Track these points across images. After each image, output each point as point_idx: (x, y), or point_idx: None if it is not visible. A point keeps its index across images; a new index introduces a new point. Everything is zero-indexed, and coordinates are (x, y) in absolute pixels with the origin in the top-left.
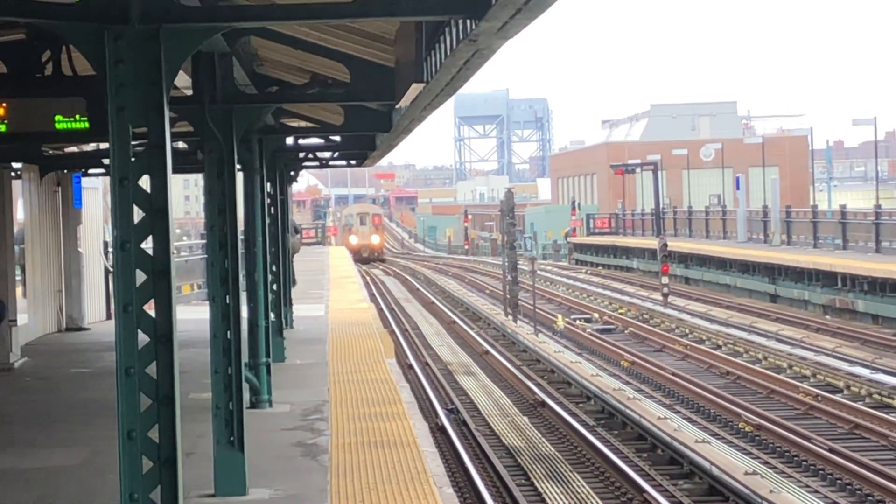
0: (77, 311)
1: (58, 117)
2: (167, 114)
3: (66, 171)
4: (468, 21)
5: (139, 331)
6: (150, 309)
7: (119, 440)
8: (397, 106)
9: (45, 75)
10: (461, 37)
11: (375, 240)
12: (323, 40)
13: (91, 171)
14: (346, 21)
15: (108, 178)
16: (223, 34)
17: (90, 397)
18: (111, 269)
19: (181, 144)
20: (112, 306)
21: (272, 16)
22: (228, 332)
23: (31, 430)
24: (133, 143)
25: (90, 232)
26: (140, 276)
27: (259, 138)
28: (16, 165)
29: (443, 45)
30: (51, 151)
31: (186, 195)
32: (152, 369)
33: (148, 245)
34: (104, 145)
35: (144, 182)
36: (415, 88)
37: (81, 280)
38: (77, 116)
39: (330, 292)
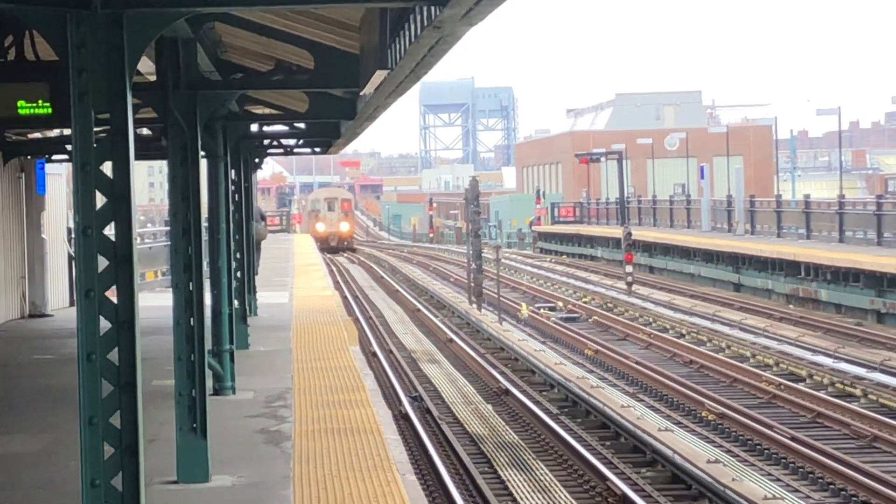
0: (40, 297)
1: (20, 103)
2: (130, 100)
3: (29, 157)
4: (432, 7)
5: (101, 317)
6: (112, 295)
7: (80, 427)
8: (362, 93)
9: (7, 60)
10: (425, 23)
11: (345, 227)
12: (287, 27)
13: (55, 157)
14: (310, 7)
15: (71, 164)
16: (187, 19)
17: (52, 384)
18: (74, 256)
19: (145, 131)
20: (74, 293)
21: (236, 1)
22: (192, 319)
23: None
24: (96, 129)
25: (53, 218)
26: (102, 263)
27: (223, 125)
28: None
29: (407, 32)
30: (14, 137)
31: (151, 182)
32: (114, 355)
33: (110, 231)
34: (68, 131)
35: (107, 168)
36: (379, 75)
37: (45, 266)
38: (40, 102)
39: (294, 280)
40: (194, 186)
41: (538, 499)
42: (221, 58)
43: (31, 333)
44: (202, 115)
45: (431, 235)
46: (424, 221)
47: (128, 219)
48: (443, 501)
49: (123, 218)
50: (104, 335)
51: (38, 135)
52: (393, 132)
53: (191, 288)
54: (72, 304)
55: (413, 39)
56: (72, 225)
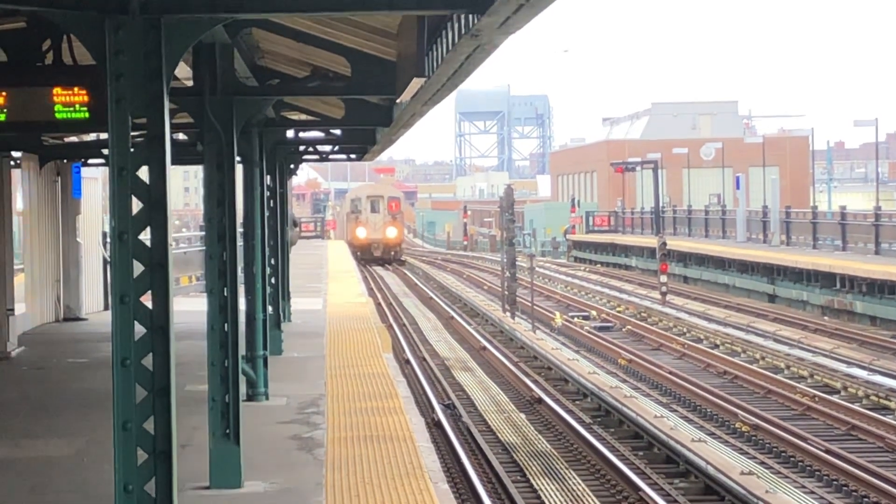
0: (75, 301)
1: (57, 107)
2: (167, 105)
3: (65, 160)
4: (470, 16)
5: (136, 322)
6: (147, 300)
7: (114, 431)
8: (398, 101)
9: (45, 64)
10: (463, 31)
11: (392, 233)
12: (325, 33)
13: (91, 161)
14: (347, 14)
15: (107, 169)
16: (224, 25)
17: (87, 387)
18: (110, 260)
19: (181, 136)
20: (109, 297)
21: (274, 7)
22: (226, 325)
23: (26, 420)
24: (133, 133)
25: (89, 222)
26: (138, 268)
27: (259, 131)
28: (15, 154)
29: (444, 40)
30: (51, 141)
31: (186, 187)
32: (148, 361)
33: (146, 236)
34: (104, 135)
35: (143, 173)
36: (416, 83)
37: (80, 270)
38: (77, 106)
39: (328, 286)
40: (230, 192)
41: None
42: (258, 63)
43: (65, 337)
44: (238, 121)
45: (465, 243)
46: (458, 229)
47: (163, 224)
48: None
49: (159, 223)
50: (139, 340)
51: (74, 138)
52: (428, 139)
53: (225, 293)
54: (106, 308)
55: (450, 48)
56: (107, 229)
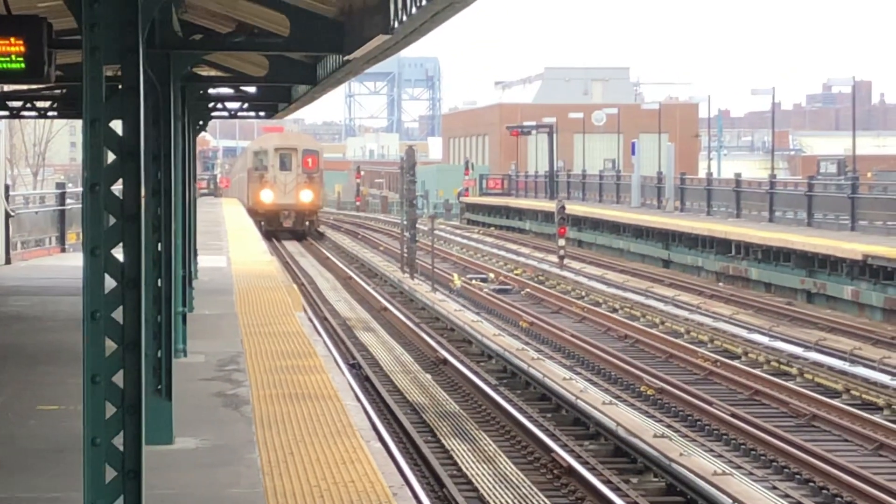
0: None
1: None
2: (142, 56)
3: None
4: None
5: (106, 275)
6: (118, 253)
7: (84, 385)
8: (347, 58)
9: None
10: None
11: (307, 197)
12: None
13: None
14: None
15: (11, 122)
16: None
17: None
18: (12, 214)
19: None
20: (12, 251)
21: None
22: (159, 280)
23: None
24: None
25: None
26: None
27: (182, 86)
28: None
29: None
30: None
31: (73, 142)
32: (118, 314)
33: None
34: (8, 87)
35: (116, 125)
36: (378, 40)
37: None
38: (13, 56)
39: (229, 244)
40: (165, 147)
41: (483, 469)
42: (181, 17)
43: None
44: (175, 76)
45: (358, 204)
46: (348, 189)
47: (137, 176)
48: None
49: (132, 175)
50: (109, 293)
51: None
52: (319, 98)
53: (159, 248)
54: (8, 262)
55: (420, 3)
56: (10, 182)
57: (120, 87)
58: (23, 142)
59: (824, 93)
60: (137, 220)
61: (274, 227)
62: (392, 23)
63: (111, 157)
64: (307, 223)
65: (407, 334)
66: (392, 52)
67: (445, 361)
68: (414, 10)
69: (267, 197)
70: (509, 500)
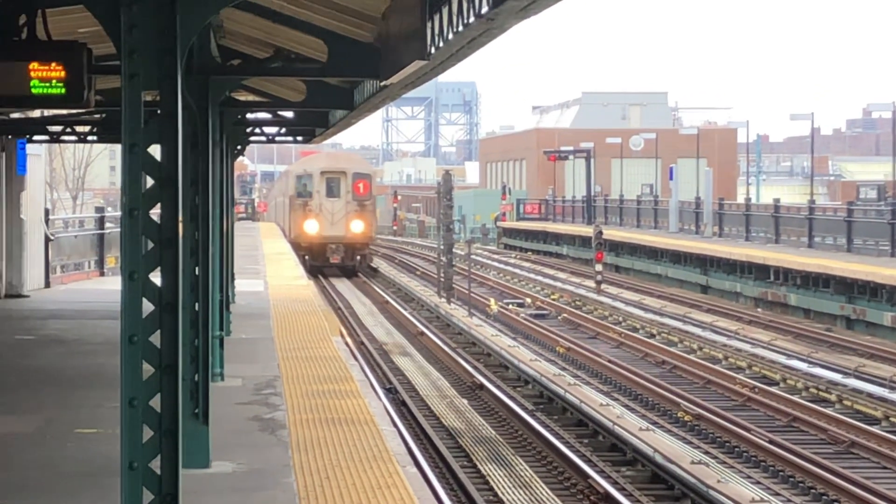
0: (17, 278)
1: (34, 82)
2: (180, 82)
3: (10, 136)
4: None
5: (144, 299)
6: (155, 277)
7: (121, 408)
8: (383, 83)
9: (21, 39)
10: (476, 13)
11: (358, 227)
12: (299, 14)
13: (35, 137)
14: None
15: (51, 147)
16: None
17: (38, 365)
18: (51, 238)
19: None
20: (51, 274)
21: None
22: (196, 304)
23: None
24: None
25: (32, 199)
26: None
27: (220, 111)
28: None
29: (444, 22)
30: None
31: (112, 166)
32: (156, 338)
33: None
34: (49, 112)
35: (154, 150)
36: (414, 65)
37: (23, 247)
38: (53, 82)
39: (266, 268)
40: (203, 172)
41: (520, 494)
42: (220, 43)
43: (9, 314)
44: (213, 101)
45: (395, 228)
46: (385, 214)
47: (174, 201)
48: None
49: (170, 200)
50: (147, 317)
51: (19, 114)
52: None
53: (197, 273)
54: (47, 286)
55: (457, 29)
56: (49, 206)
57: (158, 112)
58: (62, 166)
59: (864, 118)
60: (175, 245)
61: (320, 262)
62: (429, 48)
63: (149, 181)
64: (358, 258)
65: (443, 359)
66: (429, 77)
67: (482, 386)
68: (450, 35)
69: (312, 228)
70: None
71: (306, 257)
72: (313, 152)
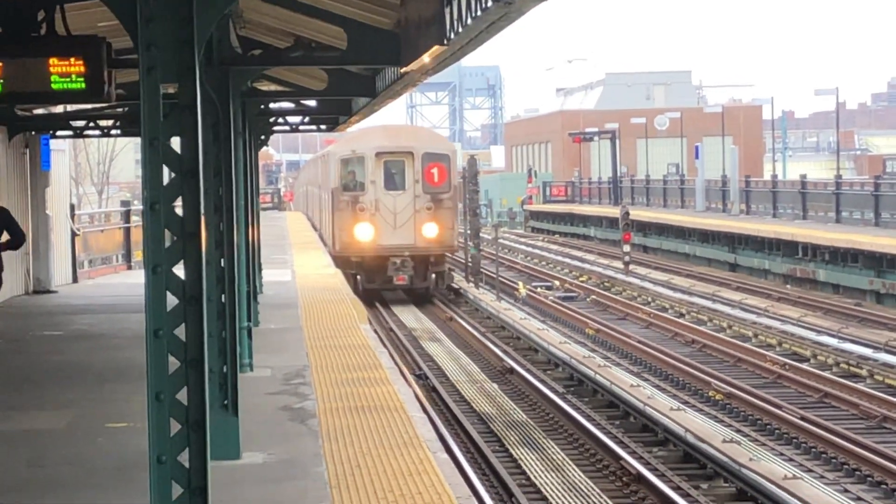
0: (44, 273)
1: (54, 77)
2: (199, 74)
3: (34, 132)
4: None
5: (168, 292)
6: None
7: (147, 402)
8: (403, 70)
9: (40, 35)
10: None
11: (431, 231)
12: (319, 3)
13: (59, 132)
14: None
15: (75, 141)
16: None
17: (66, 360)
18: (77, 233)
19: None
20: (78, 269)
21: None
22: (223, 296)
23: (9, 392)
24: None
25: (57, 194)
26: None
27: (242, 101)
28: None
29: (465, 6)
30: (20, 112)
31: (138, 159)
32: (181, 331)
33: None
34: (71, 107)
35: (175, 143)
36: (435, 50)
37: (49, 243)
38: (73, 77)
39: (294, 258)
40: (226, 162)
41: (552, 477)
42: (239, 33)
43: (37, 309)
44: (235, 92)
45: None
46: None
47: (196, 194)
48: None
49: (192, 193)
50: (171, 311)
51: (42, 110)
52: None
53: (222, 264)
54: (75, 281)
55: (475, 14)
56: (75, 201)
57: (178, 104)
58: (87, 160)
59: (889, 91)
60: (198, 238)
61: (378, 283)
62: (448, 33)
63: (171, 175)
64: (433, 275)
65: (473, 344)
66: (449, 62)
67: (512, 370)
68: (469, 20)
69: (365, 235)
70: None
71: (358, 277)
72: (333, 141)
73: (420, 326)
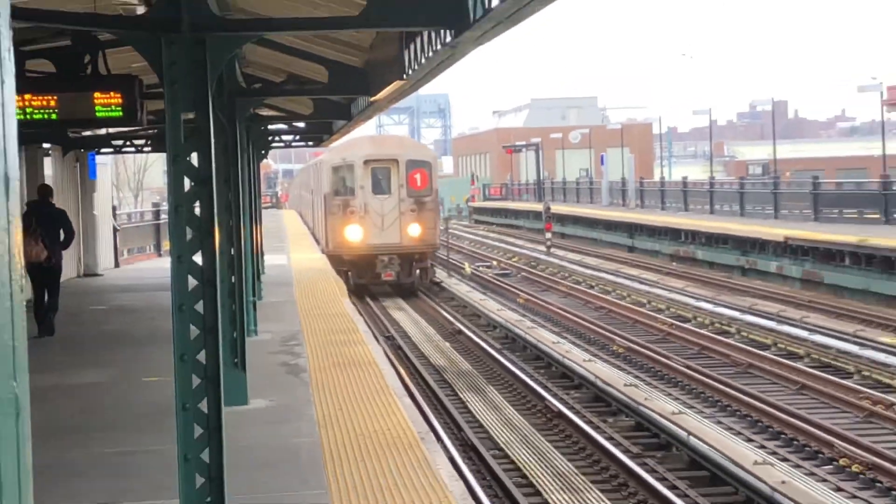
0: (92, 260)
1: (97, 107)
2: (210, 105)
3: (82, 150)
4: (447, 31)
5: (189, 276)
6: (197, 258)
7: (174, 361)
8: (371, 99)
9: (86, 74)
10: (444, 40)
11: (415, 231)
12: (307, 47)
13: (103, 150)
14: (351, 31)
15: (115, 156)
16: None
17: (111, 329)
18: (118, 228)
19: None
20: (119, 257)
21: (297, 26)
22: (233, 278)
23: (67, 354)
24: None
25: (102, 198)
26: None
27: (247, 126)
28: (46, 146)
29: (417, 49)
30: (71, 135)
31: (165, 169)
32: (200, 306)
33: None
34: (112, 129)
35: (194, 158)
36: (395, 84)
37: (96, 237)
38: (113, 107)
39: (289, 246)
40: (234, 174)
41: (492, 415)
42: (244, 71)
43: (87, 289)
44: (240, 117)
45: None
46: None
47: (210, 198)
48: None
49: (206, 198)
50: (192, 290)
51: (88, 133)
52: (354, 130)
53: (233, 252)
54: (116, 266)
55: (428, 55)
56: (116, 203)
57: (195, 128)
58: (125, 171)
59: (751, 111)
60: (212, 234)
61: (367, 279)
62: (406, 70)
63: (191, 183)
64: (417, 272)
65: (430, 311)
66: (408, 93)
67: (460, 332)
68: (423, 60)
69: (355, 235)
70: (513, 439)
71: (349, 273)
72: (317, 153)
73: (388, 297)
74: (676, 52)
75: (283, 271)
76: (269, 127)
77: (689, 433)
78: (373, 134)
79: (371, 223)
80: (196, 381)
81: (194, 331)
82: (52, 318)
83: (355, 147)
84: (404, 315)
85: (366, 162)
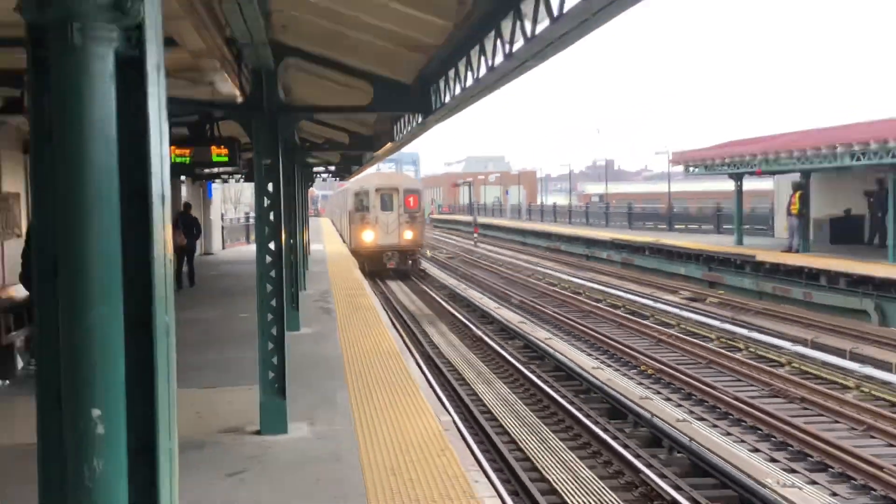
0: (209, 245)
1: (214, 155)
2: (280, 153)
3: (204, 180)
4: (419, 115)
5: (266, 256)
6: (272, 245)
7: (257, 304)
8: (374, 154)
9: (208, 135)
10: (418, 121)
11: (409, 236)
12: (336, 121)
13: (216, 180)
14: (361, 114)
15: (225, 185)
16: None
17: (220, 286)
18: (224, 226)
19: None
20: (225, 243)
21: (331, 110)
22: (292, 257)
23: (195, 303)
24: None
25: (216, 210)
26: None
27: (302, 169)
28: (182, 178)
29: (401, 124)
30: (198, 171)
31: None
32: (273, 273)
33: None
34: (222, 169)
35: (270, 186)
36: (389, 145)
37: (212, 231)
38: (223, 155)
39: (325, 239)
40: (292, 196)
41: (442, 339)
42: (300, 136)
43: (206, 263)
44: (298, 163)
45: None
46: None
47: (279, 210)
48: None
49: (276, 210)
50: (268, 264)
51: (207, 170)
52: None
53: (291, 242)
54: (223, 248)
55: (409, 129)
56: (223, 211)
57: (269, 169)
58: (230, 192)
59: (593, 164)
60: (280, 231)
61: (377, 268)
62: (396, 137)
63: (267, 201)
64: (410, 262)
65: (412, 284)
66: (395, 150)
67: (425, 292)
68: (405, 132)
69: (369, 237)
70: (457, 356)
71: (365, 264)
72: (344, 184)
73: (390, 280)
74: (544, 118)
75: (320, 255)
76: (314, 169)
77: (564, 356)
78: (380, 171)
79: (380, 230)
80: (269, 316)
81: (269, 287)
82: (193, 278)
83: (369, 180)
84: (397, 286)
85: (377, 189)
